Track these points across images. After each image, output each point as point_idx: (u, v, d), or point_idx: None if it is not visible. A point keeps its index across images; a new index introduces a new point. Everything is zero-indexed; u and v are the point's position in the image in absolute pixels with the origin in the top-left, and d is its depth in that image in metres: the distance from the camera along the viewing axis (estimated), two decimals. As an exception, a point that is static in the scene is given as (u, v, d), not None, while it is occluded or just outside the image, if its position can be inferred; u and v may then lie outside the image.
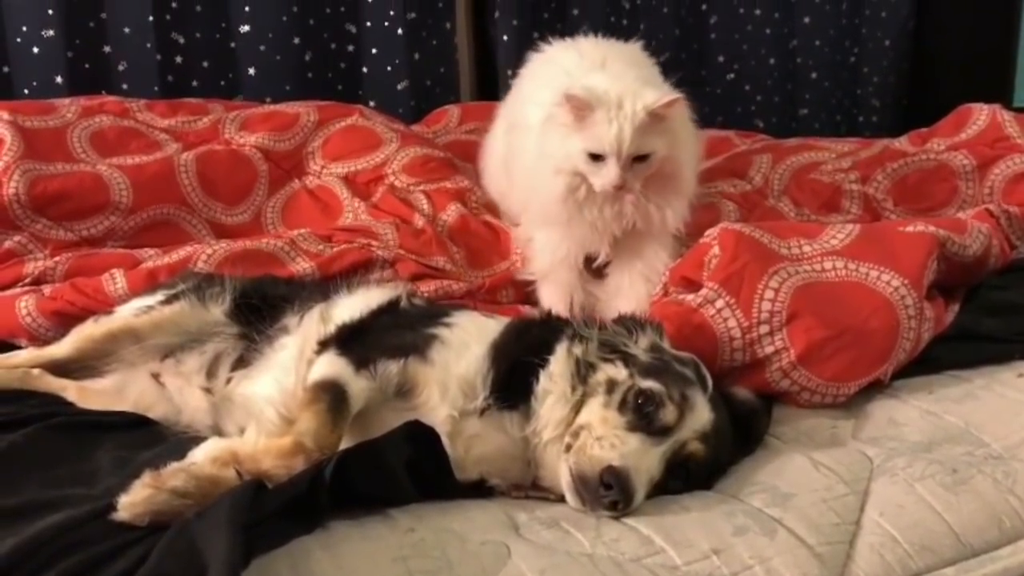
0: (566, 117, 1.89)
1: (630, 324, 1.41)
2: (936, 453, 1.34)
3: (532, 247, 2.15)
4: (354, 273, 2.00)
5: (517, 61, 3.20)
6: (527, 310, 2.04)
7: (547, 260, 2.10)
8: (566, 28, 3.50)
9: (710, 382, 1.35)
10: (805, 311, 1.54)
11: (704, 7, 3.70)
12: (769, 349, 1.53)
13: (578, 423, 1.28)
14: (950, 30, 3.80)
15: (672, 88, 2.00)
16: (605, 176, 1.86)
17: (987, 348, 1.63)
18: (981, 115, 2.63)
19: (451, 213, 2.34)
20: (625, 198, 1.95)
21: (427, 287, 2.01)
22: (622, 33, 3.57)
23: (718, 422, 1.30)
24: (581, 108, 1.85)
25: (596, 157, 1.87)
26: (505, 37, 3.36)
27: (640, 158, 1.88)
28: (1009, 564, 1.23)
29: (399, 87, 3.22)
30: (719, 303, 1.58)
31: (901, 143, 2.74)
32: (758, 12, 3.73)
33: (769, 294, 1.57)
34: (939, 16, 3.84)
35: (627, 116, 1.83)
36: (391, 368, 1.33)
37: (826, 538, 1.18)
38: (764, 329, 1.54)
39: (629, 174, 1.87)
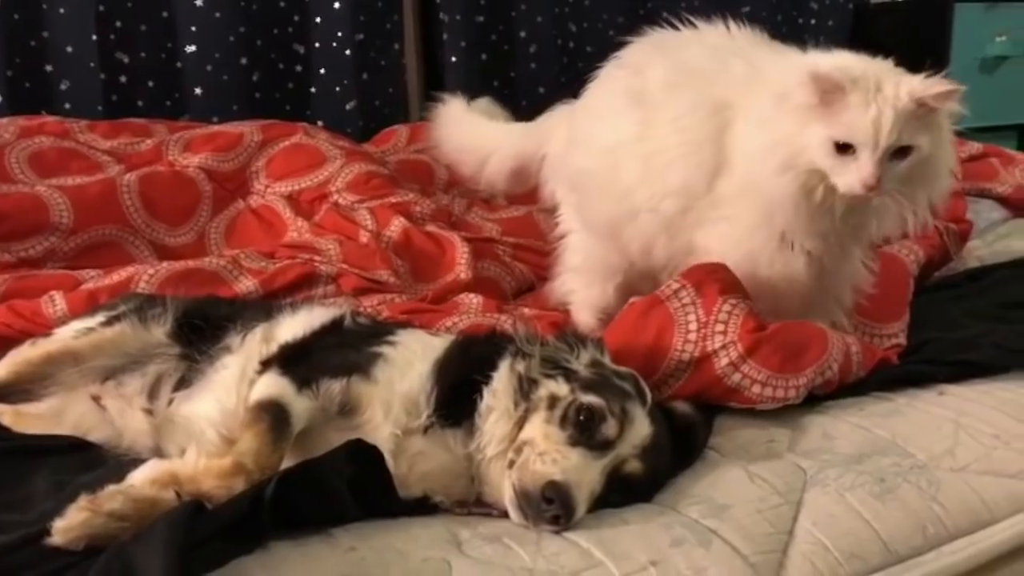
0: (808, 98, 1.53)
1: (571, 340, 1.43)
2: (866, 464, 1.39)
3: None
4: (297, 288, 2.00)
5: (465, 82, 3.25)
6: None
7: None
8: (514, 51, 3.54)
9: (649, 396, 1.37)
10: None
11: (649, 29, 3.76)
12: (719, 341, 1.54)
13: (521, 439, 1.29)
14: (885, 51, 3.91)
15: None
16: (854, 173, 1.50)
17: (909, 370, 1.68)
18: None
19: (395, 228, 2.34)
20: (870, 207, 1.62)
21: (370, 301, 2.01)
22: (571, 55, 3.64)
23: (657, 435, 1.32)
24: (830, 90, 1.51)
25: (843, 148, 1.52)
26: (453, 59, 3.39)
27: (898, 153, 1.52)
28: (932, 569, 1.27)
29: (347, 107, 3.23)
30: (683, 296, 1.61)
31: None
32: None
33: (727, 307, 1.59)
34: (875, 37, 3.96)
35: (888, 100, 1.49)
36: (334, 387, 1.33)
37: (760, 547, 1.21)
38: (719, 328, 1.55)
39: (884, 172, 1.51)
